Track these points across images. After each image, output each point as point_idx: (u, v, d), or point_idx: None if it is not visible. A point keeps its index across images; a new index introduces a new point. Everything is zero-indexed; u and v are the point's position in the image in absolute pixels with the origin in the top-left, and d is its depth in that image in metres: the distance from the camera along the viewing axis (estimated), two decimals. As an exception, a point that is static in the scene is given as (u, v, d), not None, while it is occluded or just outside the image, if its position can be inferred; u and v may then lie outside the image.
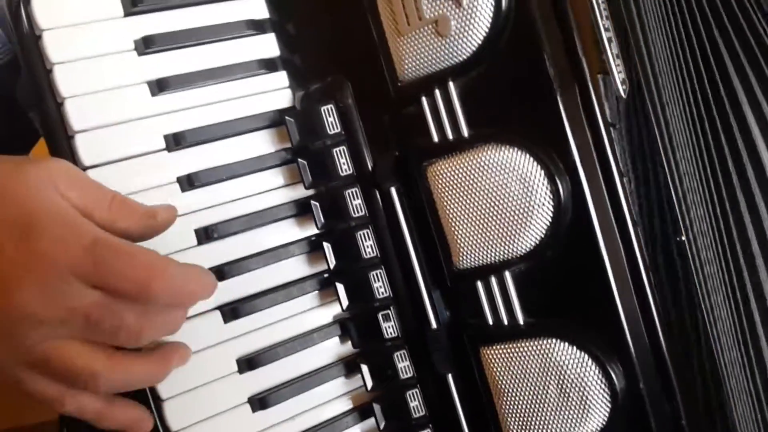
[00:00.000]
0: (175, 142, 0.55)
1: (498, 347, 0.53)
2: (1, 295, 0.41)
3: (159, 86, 0.54)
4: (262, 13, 0.58)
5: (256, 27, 0.58)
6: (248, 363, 0.55)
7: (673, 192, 0.53)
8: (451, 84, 0.52)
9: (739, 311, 0.55)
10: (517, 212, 0.50)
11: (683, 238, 0.54)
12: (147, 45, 0.54)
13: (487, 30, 0.49)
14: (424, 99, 0.53)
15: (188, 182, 0.55)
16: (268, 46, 0.58)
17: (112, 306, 0.43)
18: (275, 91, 0.58)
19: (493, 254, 0.52)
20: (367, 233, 0.56)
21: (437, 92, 0.52)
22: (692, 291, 0.53)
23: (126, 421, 0.49)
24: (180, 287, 0.45)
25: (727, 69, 0.55)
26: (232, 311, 0.55)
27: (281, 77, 0.58)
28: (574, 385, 0.50)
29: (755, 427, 0.54)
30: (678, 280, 0.53)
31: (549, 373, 0.51)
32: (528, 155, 0.50)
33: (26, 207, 0.42)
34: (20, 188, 0.43)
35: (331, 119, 0.56)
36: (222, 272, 0.55)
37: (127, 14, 0.54)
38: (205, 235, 0.55)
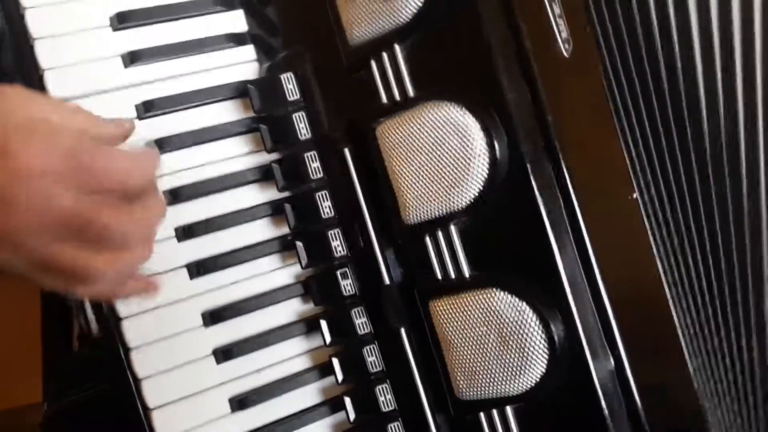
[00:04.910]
0: (146, 110, 0.59)
1: (445, 300, 0.55)
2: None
3: (131, 58, 0.59)
4: (232, -10, 0.62)
5: (226, 3, 0.62)
6: (212, 317, 0.59)
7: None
8: (396, 47, 0.54)
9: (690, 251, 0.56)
10: (456, 165, 0.52)
11: (635, 196, 0.56)
12: (121, 21, 0.59)
13: (425, -8, 0.52)
14: (372, 62, 0.55)
15: (157, 147, 0.58)
16: (236, 21, 0.62)
17: (94, 211, 0.46)
18: (243, 64, 0.62)
19: (437, 208, 0.54)
20: (325, 194, 0.59)
21: (384, 55, 0.55)
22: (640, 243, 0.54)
23: (137, 291, 0.53)
24: (148, 170, 0.49)
25: None
26: (197, 268, 0.59)
27: (248, 50, 0.62)
28: (513, 334, 0.52)
29: (707, 373, 0.55)
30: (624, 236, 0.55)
31: (490, 323, 0.53)
32: (465, 110, 0.52)
33: (1, 127, 0.44)
34: None
35: (290, 86, 0.59)
36: (190, 231, 0.59)
37: (103, -7, 0.59)
38: (173, 196, 0.58)
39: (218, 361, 0.58)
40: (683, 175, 0.57)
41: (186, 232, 0.59)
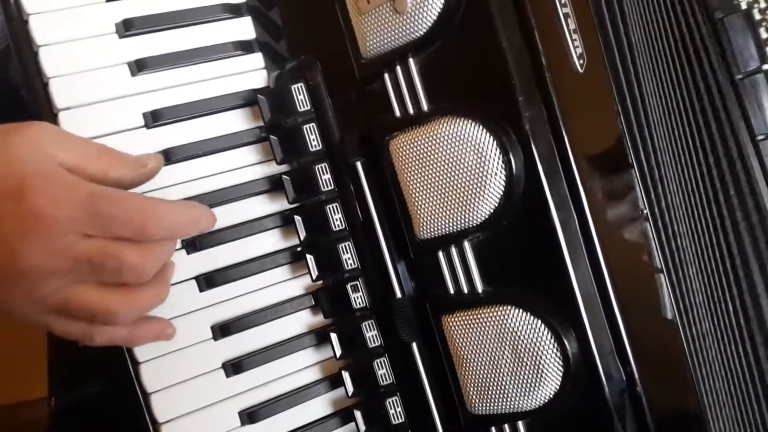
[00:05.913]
0: (153, 119, 0.57)
1: (458, 315, 0.55)
2: (10, 255, 0.44)
3: (138, 66, 0.57)
4: (239, -3, 0.61)
5: (233, 10, 0.60)
6: (222, 330, 0.58)
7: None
8: (411, 60, 0.53)
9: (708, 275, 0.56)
10: (472, 182, 0.52)
11: (646, 212, 0.56)
12: (127, 27, 0.57)
13: (441, 5, 0.51)
14: (386, 75, 0.55)
15: (165, 158, 0.57)
16: (244, 28, 0.61)
17: (111, 249, 0.46)
18: (251, 72, 0.61)
19: (451, 224, 0.53)
20: (336, 207, 0.58)
21: (398, 68, 0.54)
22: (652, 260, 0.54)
23: (153, 335, 0.53)
24: (171, 222, 0.49)
25: None
26: (206, 280, 0.58)
27: (257, 58, 0.61)
28: (527, 351, 0.52)
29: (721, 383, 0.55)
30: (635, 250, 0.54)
31: (505, 339, 0.53)
32: (482, 127, 0.51)
33: (19, 171, 0.45)
34: (10, 155, 0.46)
35: (301, 97, 0.58)
36: (197, 243, 0.58)
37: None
38: (182, 208, 0.57)
39: (228, 375, 0.58)
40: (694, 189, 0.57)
41: (194, 244, 0.58)
